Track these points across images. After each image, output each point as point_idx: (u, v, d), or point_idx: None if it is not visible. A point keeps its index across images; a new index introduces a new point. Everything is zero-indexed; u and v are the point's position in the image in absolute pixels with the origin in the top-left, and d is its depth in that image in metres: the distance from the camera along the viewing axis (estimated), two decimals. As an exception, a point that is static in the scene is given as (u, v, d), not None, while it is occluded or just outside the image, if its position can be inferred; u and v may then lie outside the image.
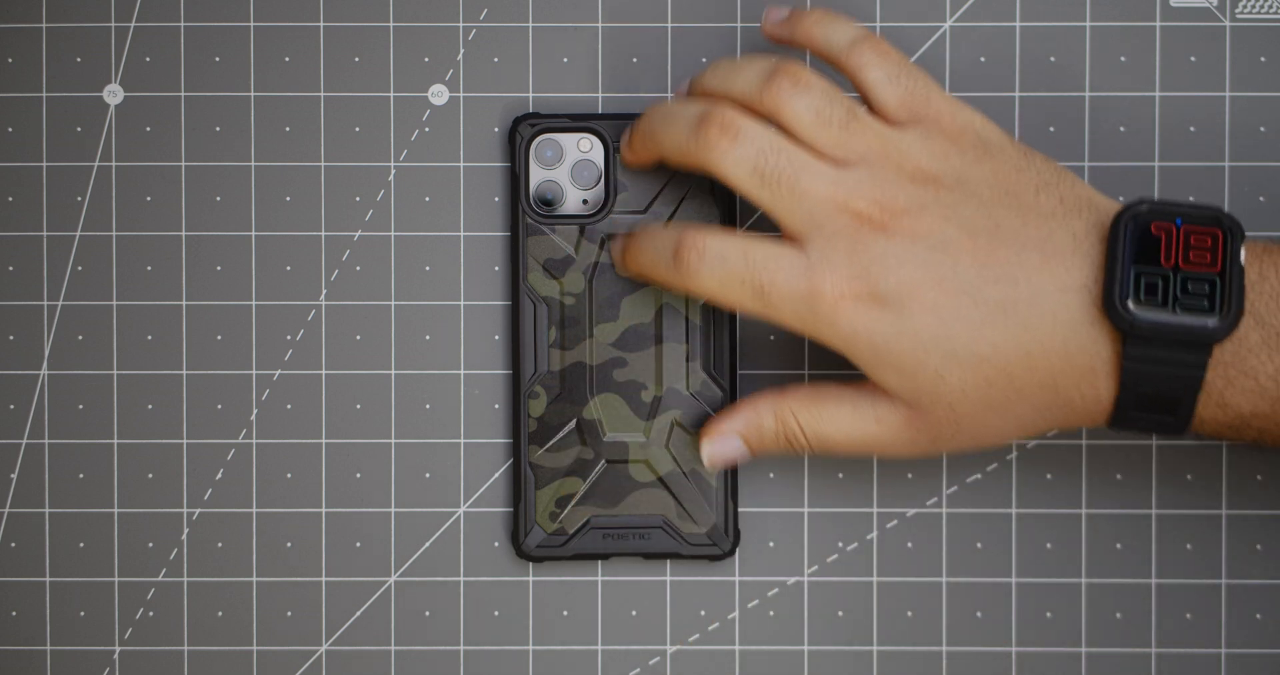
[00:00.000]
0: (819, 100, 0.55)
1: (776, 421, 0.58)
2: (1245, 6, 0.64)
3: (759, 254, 0.54)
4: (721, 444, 0.59)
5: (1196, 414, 0.53)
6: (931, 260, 0.53)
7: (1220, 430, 0.54)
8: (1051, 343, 0.53)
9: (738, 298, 0.55)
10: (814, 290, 0.53)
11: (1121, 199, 0.63)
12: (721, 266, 0.55)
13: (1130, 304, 0.52)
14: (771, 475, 0.65)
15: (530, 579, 0.65)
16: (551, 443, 0.63)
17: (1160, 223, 0.53)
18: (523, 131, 0.63)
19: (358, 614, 0.65)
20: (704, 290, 0.56)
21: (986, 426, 0.55)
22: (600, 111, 0.64)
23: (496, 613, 0.65)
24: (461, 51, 0.65)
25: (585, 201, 0.63)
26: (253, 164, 0.65)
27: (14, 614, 0.65)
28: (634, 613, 0.65)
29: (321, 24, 0.65)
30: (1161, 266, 0.52)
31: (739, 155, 0.55)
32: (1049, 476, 0.65)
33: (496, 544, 0.65)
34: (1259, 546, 0.64)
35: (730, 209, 0.63)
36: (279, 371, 0.65)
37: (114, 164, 0.65)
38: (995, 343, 0.53)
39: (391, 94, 0.65)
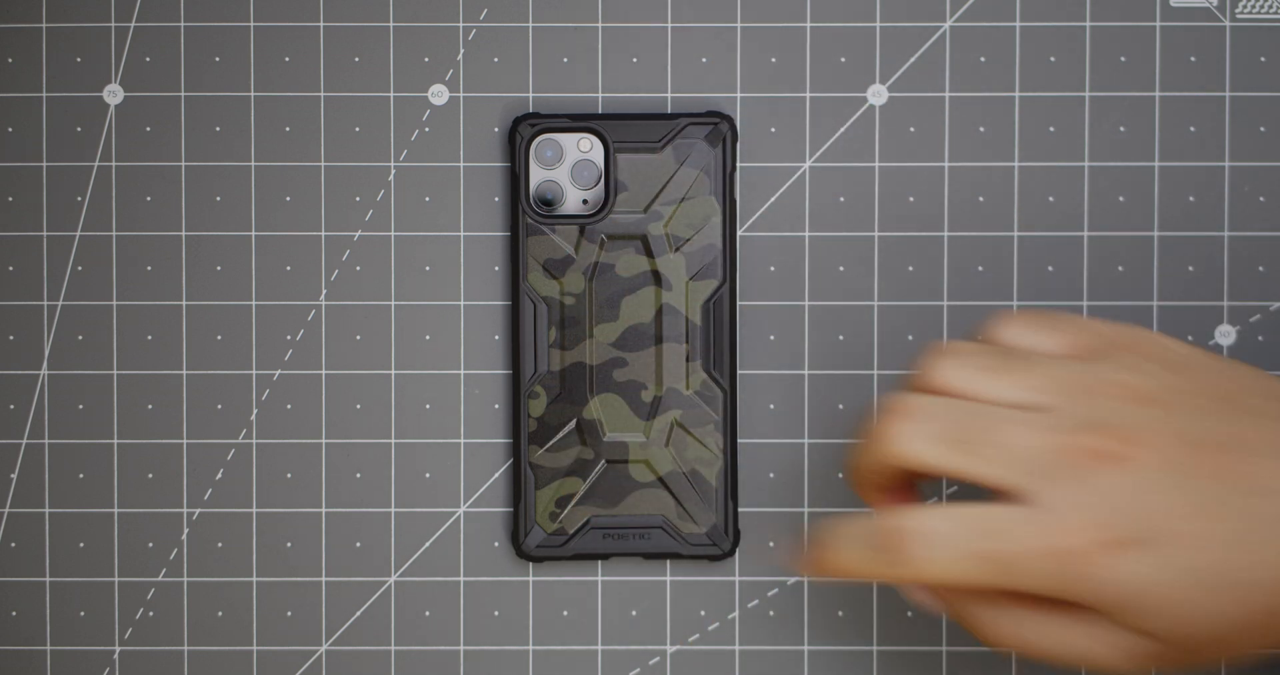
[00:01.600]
0: (981, 356, 0.50)
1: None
2: (1245, 6, 0.64)
3: (986, 524, 0.47)
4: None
5: None
6: (1174, 483, 0.47)
7: None
8: None
9: (972, 575, 0.48)
10: (1060, 548, 0.47)
11: None
12: (950, 548, 0.48)
13: None
14: (771, 475, 0.65)
15: (530, 579, 0.65)
16: (551, 443, 0.63)
17: None
18: (523, 131, 0.63)
19: (358, 614, 0.65)
20: (930, 576, 0.48)
21: (1241, 646, 0.49)
22: (600, 111, 0.64)
23: (496, 613, 0.65)
24: (461, 51, 0.65)
25: (585, 201, 0.63)
26: (253, 164, 0.65)
27: (14, 614, 0.65)
28: (634, 613, 0.65)
29: (321, 24, 0.65)
30: None
31: (918, 431, 0.48)
32: (1049, 476, 0.64)
33: (496, 544, 0.65)
34: (1259, 546, 0.64)
35: (731, 209, 0.63)
36: (279, 371, 0.65)
37: (114, 164, 0.65)
38: (1268, 561, 0.46)
39: (391, 94, 0.65)
